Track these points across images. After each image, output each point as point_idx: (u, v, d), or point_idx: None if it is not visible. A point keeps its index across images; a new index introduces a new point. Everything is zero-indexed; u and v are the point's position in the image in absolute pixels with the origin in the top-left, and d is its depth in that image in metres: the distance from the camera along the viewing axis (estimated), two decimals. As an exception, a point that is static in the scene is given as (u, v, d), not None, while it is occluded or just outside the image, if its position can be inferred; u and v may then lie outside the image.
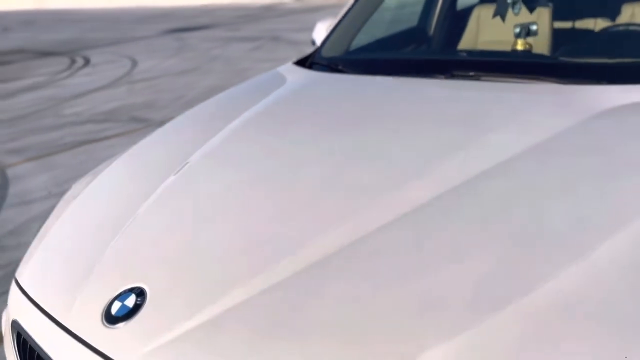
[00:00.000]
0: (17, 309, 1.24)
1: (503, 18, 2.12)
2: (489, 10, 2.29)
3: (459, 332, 0.83)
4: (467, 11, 2.53)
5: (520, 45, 1.86)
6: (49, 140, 6.09)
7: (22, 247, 3.51)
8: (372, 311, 0.89)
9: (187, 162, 1.50)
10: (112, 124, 6.62)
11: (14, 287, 1.31)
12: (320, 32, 2.56)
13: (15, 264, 3.30)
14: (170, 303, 1.02)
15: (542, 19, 1.97)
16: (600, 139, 1.24)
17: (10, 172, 5.10)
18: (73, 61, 11.78)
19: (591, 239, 0.93)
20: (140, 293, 1.05)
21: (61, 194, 4.29)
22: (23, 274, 1.32)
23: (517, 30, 1.89)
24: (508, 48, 1.92)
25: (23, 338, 1.19)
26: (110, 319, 1.03)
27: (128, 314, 1.02)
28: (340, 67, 2.04)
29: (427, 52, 2.61)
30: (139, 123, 6.39)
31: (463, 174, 1.12)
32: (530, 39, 1.90)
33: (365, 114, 1.55)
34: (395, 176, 1.18)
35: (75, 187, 1.72)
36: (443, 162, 1.19)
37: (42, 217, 4.00)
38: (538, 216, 1.00)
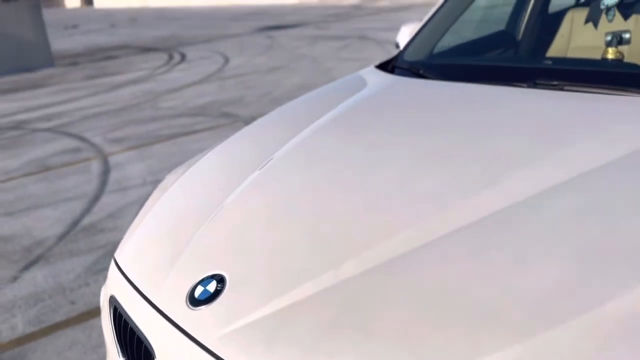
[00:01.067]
0: (115, 285, 1.39)
1: (595, 25, 2.05)
2: (582, 14, 2.21)
3: (515, 343, 0.85)
4: (560, 15, 2.45)
5: (611, 54, 1.80)
6: (146, 132, 6.52)
7: (119, 230, 3.82)
8: (430, 316, 0.93)
9: (272, 158, 1.60)
10: (203, 117, 6.97)
11: (112, 266, 1.47)
12: (404, 35, 2.59)
13: (112, 244, 3.60)
14: (247, 291, 1.11)
15: (637, 27, 1.88)
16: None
17: (111, 159, 5.52)
18: (171, 57, 12.49)
19: None
20: (220, 280, 1.15)
21: (155, 182, 4.60)
22: (121, 254, 1.47)
23: (609, 38, 1.82)
24: (598, 56, 1.86)
25: (118, 312, 1.34)
26: (194, 301, 1.14)
27: (209, 298, 1.12)
28: (421, 72, 2.06)
29: (512, 58, 2.56)
30: (227, 118, 6.69)
31: (535, 187, 1.12)
32: (623, 48, 1.83)
33: (441, 120, 1.57)
34: (465, 185, 1.20)
35: (169, 178, 1.87)
36: (515, 173, 1.19)
37: (137, 203, 4.28)
38: (608, 234, 0.99)
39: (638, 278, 0.91)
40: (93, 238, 3.77)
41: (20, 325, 2.80)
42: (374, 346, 0.92)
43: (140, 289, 1.27)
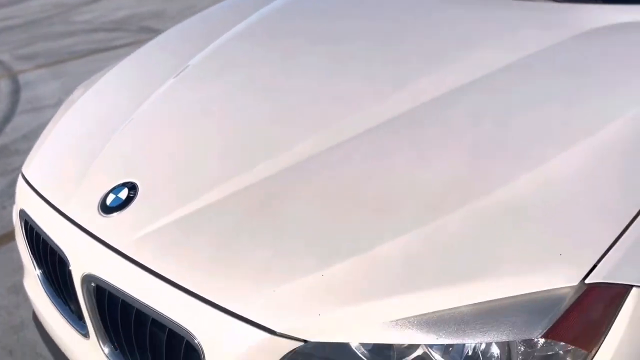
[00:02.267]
0: (24, 200, 1.35)
1: None
2: None
3: (414, 228, 0.91)
4: None
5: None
6: (59, 48, 6.10)
7: (35, 151, 3.65)
8: (337, 212, 0.98)
9: (187, 66, 1.56)
10: (121, 32, 6.57)
11: (20, 180, 1.42)
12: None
13: (28, 166, 3.44)
14: (159, 196, 1.11)
15: None
16: (581, 58, 1.27)
17: (21, 78, 5.17)
18: (83, -34, 11.49)
19: (547, 152, 0.99)
20: (132, 187, 1.14)
21: (71, 101, 4.35)
22: (29, 168, 1.42)
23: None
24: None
25: (30, 225, 1.31)
26: (105, 209, 1.13)
27: (121, 205, 1.12)
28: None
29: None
30: (148, 33, 6.34)
31: (440, 89, 1.16)
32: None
33: (354, 28, 1.56)
34: (375, 88, 1.22)
35: (78, 90, 1.78)
36: (423, 76, 1.23)
37: (53, 123, 4.05)
38: (501, 130, 1.06)
39: (524, 167, 0.98)
40: (7, 160, 3.59)
41: None
42: (284, 244, 0.96)
43: (50, 201, 1.24)
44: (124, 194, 1.13)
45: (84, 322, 1.17)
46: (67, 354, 1.29)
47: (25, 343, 2.08)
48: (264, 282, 0.92)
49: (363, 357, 0.88)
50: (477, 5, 1.56)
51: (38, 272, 1.34)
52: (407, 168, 1.03)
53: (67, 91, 4.74)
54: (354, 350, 0.88)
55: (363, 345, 0.88)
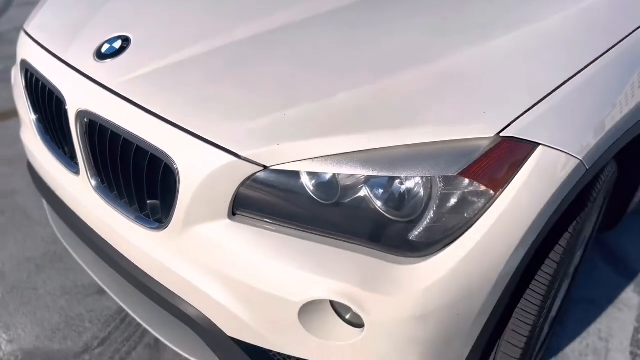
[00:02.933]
0: (26, 50, 1.47)
1: None
2: None
3: (363, 85, 1.08)
4: None
5: None
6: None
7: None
8: (301, 67, 1.13)
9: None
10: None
11: (22, 35, 1.53)
12: None
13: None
14: (149, 47, 1.24)
15: None
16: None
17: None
18: None
19: (491, 33, 1.16)
20: (126, 40, 1.28)
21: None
22: (30, 24, 1.53)
23: None
24: None
25: (30, 73, 1.44)
26: (101, 56, 1.26)
27: (114, 54, 1.25)
28: None
29: None
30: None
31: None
32: None
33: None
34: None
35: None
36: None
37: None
38: (458, 16, 1.22)
39: (468, 43, 1.14)
40: (1, 48, 3.66)
41: None
42: (256, 89, 1.12)
43: (50, 49, 1.37)
44: (117, 44, 1.27)
45: (76, 162, 1.33)
46: (58, 192, 1.46)
47: (16, 206, 2.25)
48: (234, 118, 1.08)
49: (310, 191, 1.05)
50: None
51: (33, 117, 1.48)
52: (366, 40, 1.18)
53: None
54: (302, 184, 1.05)
55: (311, 179, 1.05)
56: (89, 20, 1.39)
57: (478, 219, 1.02)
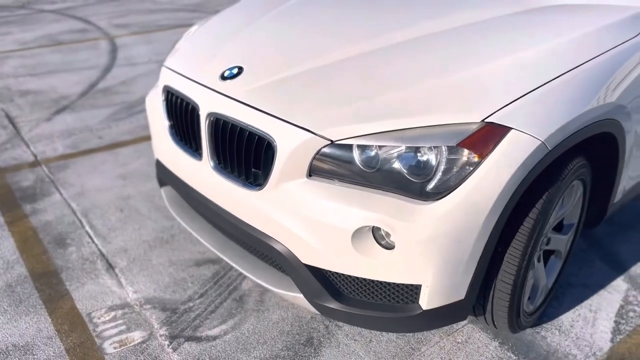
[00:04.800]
0: (167, 78, 2.15)
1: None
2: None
3: (397, 89, 1.68)
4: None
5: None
6: (148, 21, 7.08)
7: (131, 93, 4.54)
8: (366, 88, 1.76)
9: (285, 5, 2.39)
10: (200, 13, 7.51)
11: (163, 69, 2.23)
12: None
13: (127, 103, 4.32)
14: (255, 72, 1.89)
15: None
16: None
17: (117, 41, 6.12)
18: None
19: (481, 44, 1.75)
20: (240, 68, 1.93)
21: (159, 61, 5.25)
22: (169, 61, 2.23)
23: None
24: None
25: (170, 94, 2.11)
26: (224, 78, 1.91)
27: (233, 76, 1.90)
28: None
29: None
30: (223, 16, 7.24)
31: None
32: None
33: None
34: (381, 27, 2.02)
35: (194, 27, 2.61)
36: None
37: (146, 75, 4.93)
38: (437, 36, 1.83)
39: (466, 50, 1.72)
40: (109, 97, 4.49)
41: (60, 148, 3.58)
42: (329, 96, 1.73)
43: (188, 76, 2.04)
44: (235, 70, 1.92)
45: (199, 152, 1.96)
46: (183, 176, 2.08)
47: (130, 206, 2.91)
48: (316, 110, 1.69)
49: (358, 159, 1.62)
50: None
51: (167, 124, 2.14)
52: (399, 60, 1.80)
53: (157, 53, 5.65)
54: (353, 155, 1.63)
55: (360, 153, 1.62)
56: (213, 55, 2.07)
57: (469, 177, 1.56)
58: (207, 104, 1.90)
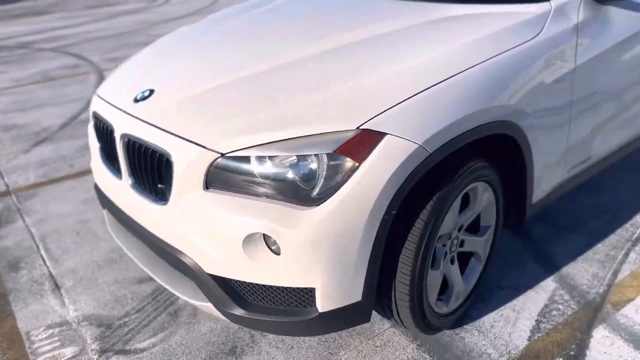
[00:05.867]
0: (96, 105, 2.29)
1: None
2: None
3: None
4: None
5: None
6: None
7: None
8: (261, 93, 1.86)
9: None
10: (190, 44, 7.74)
11: (94, 96, 2.36)
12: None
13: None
14: (164, 95, 2.00)
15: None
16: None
17: (106, 74, 6.35)
18: (168, -9, 13.10)
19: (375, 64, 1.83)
20: (152, 91, 2.05)
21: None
22: (99, 90, 2.37)
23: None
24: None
25: (97, 118, 2.24)
26: (136, 101, 2.03)
27: (144, 99, 2.01)
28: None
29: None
30: (212, 45, 7.44)
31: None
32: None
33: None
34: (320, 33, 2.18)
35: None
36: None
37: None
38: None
39: (359, 70, 1.80)
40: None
41: (32, 178, 3.74)
42: (220, 113, 1.82)
43: (109, 100, 2.17)
44: (147, 93, 2.04)
45: (120, 171, 2.07)
46: (110, 195, 2.19)
47: (88, 229, 3.03)
48: (208, 126, 1.79)
49: (249, 170, 1.70)
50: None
51: (98, 145, 2.26)
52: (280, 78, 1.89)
53: (139, 83, 5.79)
54: (243, 166, 1.70)
55: (249, 160, 1.71)
56: (133, 81, 2.19)
57: (346, 182, 1.63)
58: (121, 126, 2.01)
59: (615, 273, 2.38)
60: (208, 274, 1.81)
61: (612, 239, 2.61)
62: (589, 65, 2.18)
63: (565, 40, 2.11)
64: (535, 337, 2.06)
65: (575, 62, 2.13)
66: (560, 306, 2.21)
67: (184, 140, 1.78)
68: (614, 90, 2.40)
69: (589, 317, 2.14)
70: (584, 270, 2.41)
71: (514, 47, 1.97)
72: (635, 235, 2.62)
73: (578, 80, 2.15)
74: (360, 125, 1.66)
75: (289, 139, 1.68)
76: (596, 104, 2.31)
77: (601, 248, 2.55)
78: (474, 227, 2.15)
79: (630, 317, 2.12)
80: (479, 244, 2.15)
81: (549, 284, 2.34)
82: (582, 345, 2.00)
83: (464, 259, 2.18)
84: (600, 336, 2.04)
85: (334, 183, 1.64)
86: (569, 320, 2.13)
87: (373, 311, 1.92)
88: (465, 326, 2.14)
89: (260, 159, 1.70)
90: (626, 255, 2.49)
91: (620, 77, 2.41)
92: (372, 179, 1.63)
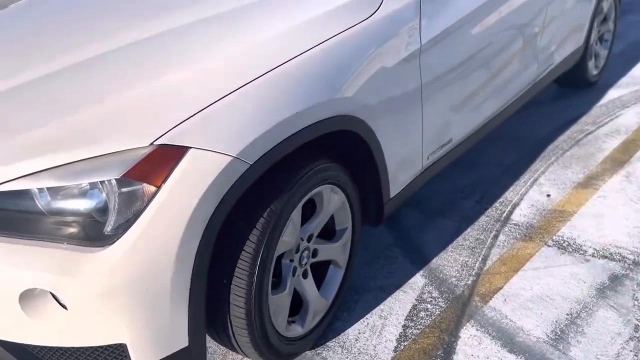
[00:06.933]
0: None
1: None
2: None
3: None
4: None
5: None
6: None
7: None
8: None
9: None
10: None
11: None
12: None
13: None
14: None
15: None
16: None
17: None
18: None
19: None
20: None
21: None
22: None
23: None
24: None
25: None
26: None
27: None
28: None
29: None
30: None
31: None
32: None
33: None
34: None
35: None
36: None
37: None
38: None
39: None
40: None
41: None
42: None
43: None
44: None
45: None
46: None
47: None
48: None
49: (19, 206, 1.34)
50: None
51: None
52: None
53: None
54: (11, 202, 1.34)
55: (17, 195, 1.33)
56: None
57: (144, 210, 1.31)
58: None
59: (485, 259, 2.25)
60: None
61: (482, 220, 2.49)
62: (436, 42, 1.98)
63: (406, 16, 1.88)
64: (402, 347, 1.88)
65: (420, 41, 1.91)
66: (428, 305, 2.04)
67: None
68: (468, 66, 2.22)
69: (457, 314, 1.99)
70: (454, 260, 2.26)
71: (343, 31, 1.71)
72: (505, 215, 2.52)
73: (426, 60, 1.95)
74: (155, 140, 1.34)
75: (67, 163, 1.33)
76: (450, 83, 2.13)
77: (471, 232, 2.42)
78: (331, 232, 1.92)
79: (498, 310, 2.00)
80: (336, 250, 1.92)
81: (418, 281, 2.17)
82: (449, 349, 1.85)
83: (322, 269, 1.95)
84: (467, 336, 1.90)
85: (130, 215, 1.32)
86: (437, 322, 1.97)
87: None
88: (328, 343, 1.92)
89: (33, 191, 1.34)
90: (495, 237, 2.38)
91: (473, 52, 2.23)
92: (177, 204, 1.33)
